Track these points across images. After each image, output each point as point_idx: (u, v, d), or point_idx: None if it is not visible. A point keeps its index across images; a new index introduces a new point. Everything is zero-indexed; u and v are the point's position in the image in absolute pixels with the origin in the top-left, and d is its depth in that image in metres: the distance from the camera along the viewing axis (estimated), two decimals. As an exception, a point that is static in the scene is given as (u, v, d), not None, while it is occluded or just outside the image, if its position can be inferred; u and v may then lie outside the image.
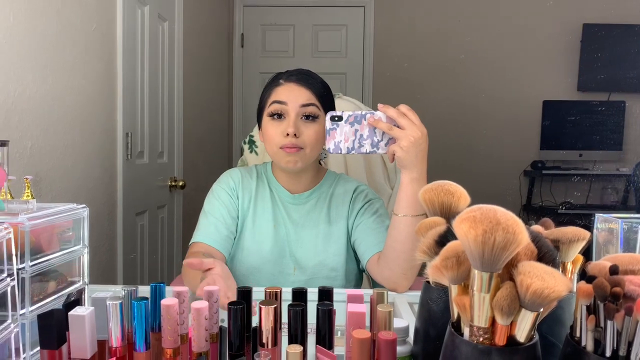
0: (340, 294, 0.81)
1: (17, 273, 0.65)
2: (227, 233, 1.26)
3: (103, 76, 1.85)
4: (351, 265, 1.31)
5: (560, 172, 3.92)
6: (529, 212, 3.95)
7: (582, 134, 3.90)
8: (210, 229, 1.26)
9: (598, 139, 3.90)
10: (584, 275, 0.59)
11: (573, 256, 0.67)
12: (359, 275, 1.35)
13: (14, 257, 0.64)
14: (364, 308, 0.63)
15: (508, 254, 0.50)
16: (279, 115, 1.19)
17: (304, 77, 1.22)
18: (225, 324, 0.64)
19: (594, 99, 3.93)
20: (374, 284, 1.42)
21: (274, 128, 1.19)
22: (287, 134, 1.16)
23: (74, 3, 1.62)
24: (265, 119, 1.22)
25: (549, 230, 0.68)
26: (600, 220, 0.72)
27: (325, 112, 1.21)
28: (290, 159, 1.19)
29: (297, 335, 0.62)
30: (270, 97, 1.22)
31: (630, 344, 0.48)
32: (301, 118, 1.19)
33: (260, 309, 0.62)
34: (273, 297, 0.66)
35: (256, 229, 1.29)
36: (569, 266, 0.68)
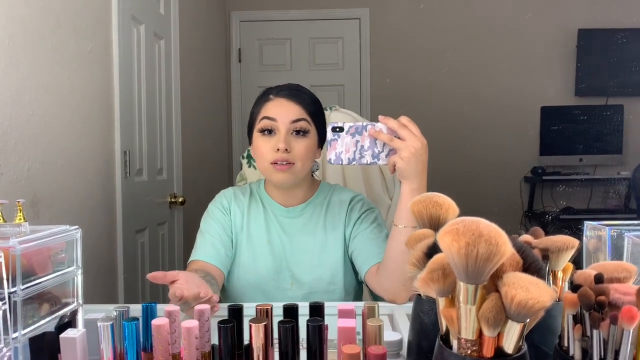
0: (333, 309, 0.81)
1: (9, 297, 0.66)
2: (224, 250, 1.27)
3: (100, 96, 1.86)
4: (349, 278, 1.30)
5: (561, 178, 3.91)
6: (531, 219, 3.95)
7: (581, 138, 3.91)
8: (207, 246, 1.26)
9: (598, 143, 3.91)
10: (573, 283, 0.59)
11: (563, 264, 0.67)
12: (358, 287, 1.35)
13: (4, 281, 0.64)
14: (354, 323, 0.63)
15: (492, 265, 0.50)
16: (269, 131, 1.20)
17: (294, 92, 1.23)
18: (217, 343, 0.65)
19: (592, 104, 3.94)
20: (374, 297, 1.41)
21: (265, 143, 1.20)
22: (278, 149, 1.17)
23: (69, 24, 1.64)
24: (256, 134, 1.23)
25: (538, 240, 0.69)
26: (589, 227, 0.72)
27: (316, 126, 1.22)
28: (281, 176, 1.20)
29: (288, 352, 0.62)
30: (260, 113, 1.23)
31: (617, 353, 0.48)
32: (291, 133, 1.19)
33: (250, 326, 0.62)
34: (264, 314, 0.66)
35: (250, 246, 1.29)
36: (560, 274, 0.68)
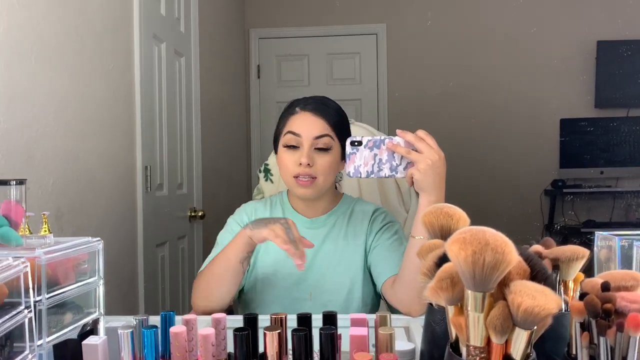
0: (346, 321, 0.83)
1: (34, 305, 0.68)
2: None
3: (122, 112, 1.91)
4: (368, 289, 1.31)
5: (582, 191, 3.87)
6: (552, 232, 3.90)
7: (602, 151, 3.86)
8: None
9: (619, 155, 3.86)
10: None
11: (574, 274, 0.68)
12: (376, 299, 1.35)
13: (30, 290, 0.67)
14: (366, 331, 0.64)
15: (499, 273, 0.51)
16: (293, 146, 1.23)
17: (320, 107, 1.25)
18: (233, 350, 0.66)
19: (613, 116, 3.90)
20: (391, 310, 1.41)
21: (289, 157, 1.23)
22: (301, 164, 1.19)
23: (93, 44, 1.69)
24: (281, 147, 1.25)
25: (548, 250, 0.69)
26: (600, 238, 0.72)
27: (340, 140, 1.24)
28: (303, 190, 1.22)
29: (302, 360, 0.63)
30: (286, 127, 1.25)
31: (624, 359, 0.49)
32: (314, 149, 1.22)
33: (264, 334, 0.63)
34: (278, 323, 0.68)
35: (270, 259, 1.30)
36: (571, 284, 0.69)
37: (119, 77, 1.89)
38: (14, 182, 0.75)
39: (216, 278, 1.18)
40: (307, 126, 1.22)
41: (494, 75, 3.98)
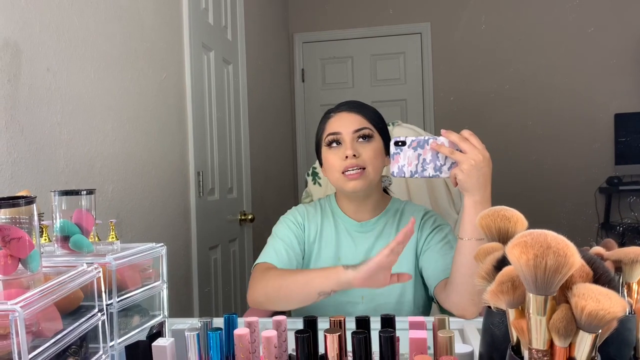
0: (404, 322, 0.83)
1: (106, 308, 0.72)
2: (295, 262, 1.30)
3: (174, 120, 1.98)
4: (419, 292, 1.31)
5: (639, 188, 3.72)
6: (608, 231, 3.77)
7: (659, 146, 3.71)
8: (281, 252, 1.28)
9: (678, 150, 3.70)
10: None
11: (638, 276, 0.67)
12: (427, 302, 1.35)
13: (103, 294, 0.71)
14: (425, 334, 0.65)
15: (561, 276, 0.51)
16: (336, 142, 1.24)
17: (353, 104, 1.28)
18: (294, 352, 0.68)
19: (670, 108, 3.74)
20: (442, 312, 1.41)
21: (333, 155, 1.24)
22: (347, 157, 1.21)
23: (146, 56, 1.76)
24: (324, 149, 1.27)
25: (610, 252, 0.68)
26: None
27: (380, 133, 1.25)
28: (354, 183, 1.22)
29: (362, 362, 0.65)
30: (325, 131, 1.28)
31: (695, 365, 0.48)
32: (357, 140, 1.23)
33: (325, 337, 0.65)
34: (337, 325, 0.69)
35: (321, 262, 1.32)
36: (635, 287, 0.67)
37: (171, 87, 1.95)
38: (84, 192, 0.80)
39: (288, 292, 1.15)
40: (344, 123, 1.24)
41: (543, 72, 3.88)
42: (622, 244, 0.72)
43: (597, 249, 0.70)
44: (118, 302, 0.75)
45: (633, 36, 3.78)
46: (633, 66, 3.80)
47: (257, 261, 1.30)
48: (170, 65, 1.95)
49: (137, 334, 0.80)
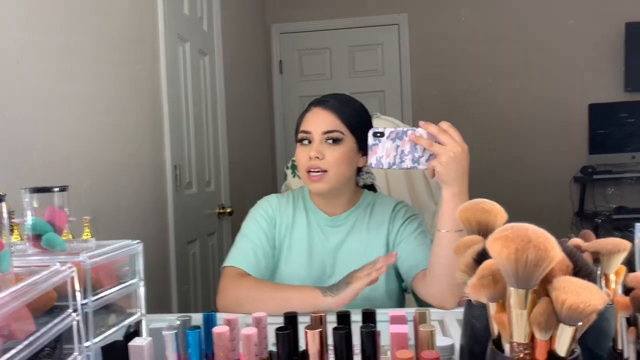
0: (384, 315, 0.83)
1: (81, 308, 0.70)
2: (264, 263, 1.28)
3: (150, 113, 1.94)
4: (392, 285, 1.31)
5: (613, 177, 3.79)
6: (582, 219, 3.84)
7: (632, 135, 3.77)
8: (249, 255, 1.27)
9: (650, 139, 3.77)
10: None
11: (615, 267, 0.67)
12: (400, 294, 1.35)
13: (77, 294, 0.69)
14: (406, 328, 0.65)
15: (541, 270, 0.51)
16: (307, 141, 1.24)
17: (333, 103, 1.25)
18: (274, 349, 0.67)
19: (643, 99, 3.81)
20: (419, 304, 1.41)
21: (302, 152, 1.24)
22: (310, 157, 1.21)
23: (121, 49, 1.72)
24: (297, 146, 1.27)
25: (588, 243, 0.69)
26: (640, 229, 0.71)
27: (355, 135, 1.24)
28: (315, 185, 1.23)
29: (343, 358, 0.64)
30: (300, 126, 1.27)
31: (673, 355, 0.49)
32: (325, 142, 1.22)
33: (306, 333, 0.64)
34: (318, 322, 0.68)
35: (292, 257, 1.31)
36: (612, 277, 0.68)
37: (146, 79, 1.92)
38: (57, 189, 0.78)
39: (262, 306, 1.06)
40: (316, 122, 1.23)
41: (518, 63, 3.92)
42: (596, 232, 0.73)
43: (576, 241, 0.71)
44: (93, 301, 0.73)
45: (610, 28, 3.82)
46: (609, 55, 3.85)
47: (225, 263, 1.28)
48: (145, 57, 1.91)
49: (114, 333, 0.78)
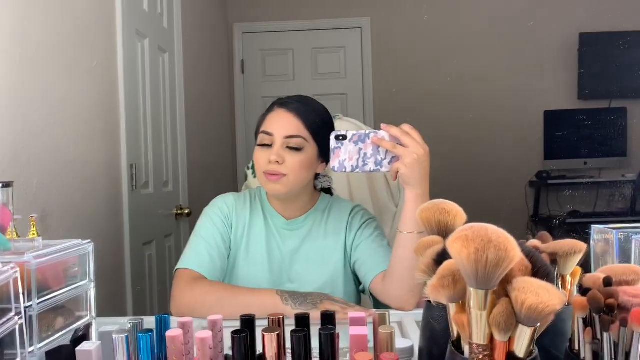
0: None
1: (25, 311, 0.67)
2: (220, 264, 1.25)
3: (106, 110, 1.88)
4: (350, 288, 1.30)
5: (566, 182, 3.91)
6: (537, 223, 3.94)
7: (585, 142, 3.91)
8: (204, 256, 1.24)
9: (602, 146, 3.91)
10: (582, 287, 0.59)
11: (571, 268, 0.68)
12: (357, 297, 1.35)
13: (21, 296, 0.65)
14: (366, 330, 0.64)
15: (501, 270, 0.50)
16: (266, 144, 1.20)
17: (297, 107, 1.22)
18: (230, 352, 0.65)
19: (595, 107, 3.94)
20: (376, 306, 1.41)
21: (261, 153, 1.20)
22: (270, 161, 1.17)
23: (76, 41, 1.66)
24: (257, 147, 1.23)
25: (546, 244, 0.69)
26: (597, 231, 0.72)
27: (317, 142, 1.21)
28: (272, 186, 1.20)
29: (301, 361, 0.63)
30: (262, 126, 1.23)
31: (627, 355, 0.49)
32: (286, 147, 1.19)
33: (263, 336, 0.62)
34: (276, 324, 0.67)
35: (249, 259, 1.28)
36: (568, 278, 0.69)
37: (103, 74, 1.86)
38: (1, 185, 0.73)
39: (219, 312, 1.10)
40: (279, 125, 1.20)
41: (479, 69, 4.00)
42: (552, 236, 0.74)
43: (533, 242, 0.71)
44: (38, 303, 0.69)
45: (565, 38, 3.95)
46: (564, 64, 3.98)
47: (179, 265, 1.24)
48: (101, 52, 1.85)
49: (60, 337, 0.75)
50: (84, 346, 0.63)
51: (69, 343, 0.70)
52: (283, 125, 1.20)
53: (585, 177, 3.92)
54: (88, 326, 0.79)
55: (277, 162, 1.17)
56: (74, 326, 0.78)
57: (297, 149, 1.19)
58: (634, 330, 0.48)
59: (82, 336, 0.68)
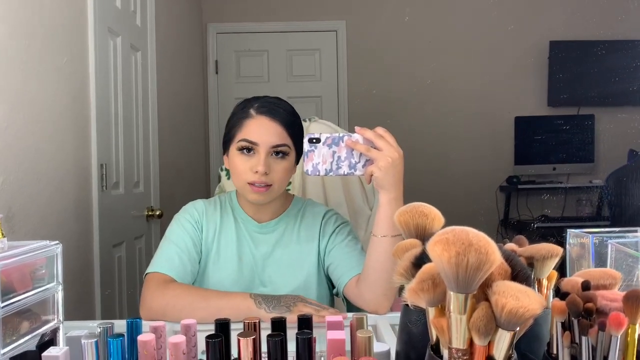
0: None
1: (-12, 315, 0.64)
2: (190, 268, 1.22)
3: (76, 108, 1.83)
4: (323, 291, 1.30)
5: (535, 187, 3.98)
6: (507, 227, 4.00)
7: (554, 148, 3.99)
8: (174, 260, 1.21)
9: (570, 152, 3.99)
10: (559, 291, 0.59)
11: (548, 272, 0.68)
12: (331, 300, 1.34)
13: (-16, 299, 0.63)
14: (344, 334, 0.63)
15: (482, 274, 0.50)
16: (248, 150, 1.17)
17: (276, 111, 1.19)
18: (204, 357, 0.64)
19: (564, 114, 4.03)
20: (349, 308, 1.40)
21: (243, 163, 1.17)
22: (257, 172, 1.14)
23: (45, 37, 1.61)
24: (234, 151, 1.19)
25: (522, 248, 0.70)
26: (572, 235, 0.73)
27: (296, 146, 1.20)
28: (257, 197, 1.18)
29: (277, 366, 0.61)
30: (241, 132, 1.18)
31: (605, 358, 0.49)
32: (271, 155, 1.17)
33: (238, 340, 0.61)
34: (252, 328, 0.65)
35: (220, 264, 1.26)
36: (545, 282, 0.69)
37: (73, 72, 1.81)
38: (-36, 183, 0.70)
39: (191, 316, 1.09)
40: (264, 134, 1.16)
41: (451, 75, 4.04)
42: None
43: (510, 246, 0.72)
44: (3, 307, 0.66)
45: (535, 45, 4.02)
46: (534, 71, 4.06)
47: (149, 269, 1.21)
48: (72, 49, 1.80)
49: (27, 342, 0.72)
50: (50, 351, 0.61)
51: (34, 348, 0.67)
52: (269, 134, 1.17)
53: (554, 183, 4.00)
54: (55, 331, 0.76)
55: (266, 173, 1.14)
56: (40, 330, 0.75)
57: (282, 157, 1.18)
58: (611, 334, 0.48)
59: (48, 341, 0.66)
